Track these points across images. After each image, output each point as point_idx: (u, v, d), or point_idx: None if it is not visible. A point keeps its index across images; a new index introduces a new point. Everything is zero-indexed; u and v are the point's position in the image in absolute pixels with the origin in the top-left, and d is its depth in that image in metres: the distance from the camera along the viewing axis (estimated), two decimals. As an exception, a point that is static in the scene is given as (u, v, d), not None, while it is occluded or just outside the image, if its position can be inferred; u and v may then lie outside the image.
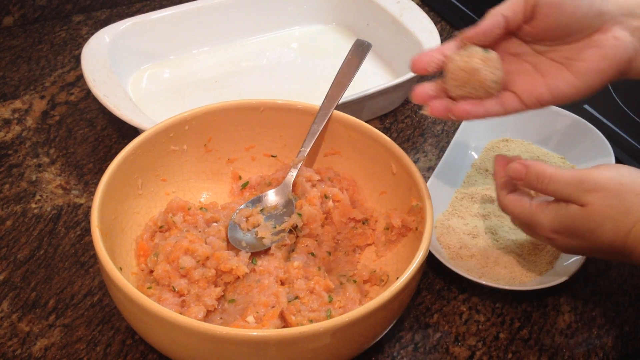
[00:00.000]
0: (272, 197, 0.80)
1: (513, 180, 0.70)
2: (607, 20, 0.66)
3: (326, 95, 0.82)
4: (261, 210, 0.79)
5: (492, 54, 0.66)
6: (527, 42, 0.68)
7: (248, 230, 0.77)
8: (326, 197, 0.79)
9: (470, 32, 0.67)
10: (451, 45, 0.68)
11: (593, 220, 0.66)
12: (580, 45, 0.66)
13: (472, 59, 0.65)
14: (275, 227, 0.77)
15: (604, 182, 0.65)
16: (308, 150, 0.80)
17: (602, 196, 0.65)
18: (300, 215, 0.77)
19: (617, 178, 0.66)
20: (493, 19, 0.66)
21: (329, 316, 0.68)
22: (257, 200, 0.79)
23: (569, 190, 0.66)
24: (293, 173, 0.80)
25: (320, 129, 0.80)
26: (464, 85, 0.66)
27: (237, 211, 0.78)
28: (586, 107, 1.00)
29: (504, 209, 0.72)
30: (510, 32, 0.67)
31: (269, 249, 0.75)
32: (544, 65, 0.68)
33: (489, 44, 0.67)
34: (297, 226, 0.77)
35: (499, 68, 0.66)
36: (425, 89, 0.69)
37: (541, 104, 0.68)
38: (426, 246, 0.68)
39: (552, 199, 0.69)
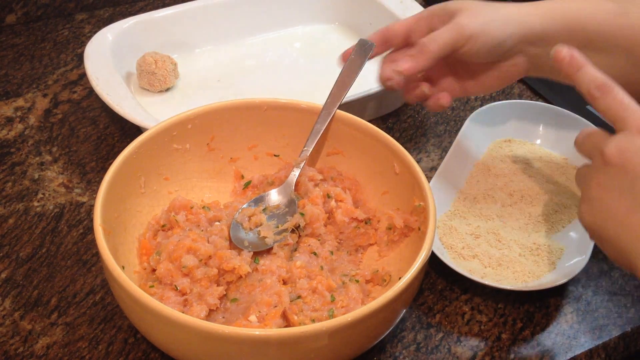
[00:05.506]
0: (274, 197, 0.79)
1: None
2: (511, 51, 0.79)
3: (329, 94, 0.82)
4: (264, 210, 0.78)
5: None
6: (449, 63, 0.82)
7: (250, 229, 0.76)
8: (329, 196, 0.79)
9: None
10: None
11: None
12: (484, 68, 0.81)
13: None
14: (277, 227, 0.76)
15: None
16: (311, 149, 0.80)
17: None
18: (302, 214, 0.77)
19: None
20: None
21: (332, 316, 0.68)
22: (260, 199, 0.79)
23: None
24: (296, 172, 0.80)
25: (323, 128, 0.80)
26: None
27: (240, 210, 0.78)
28: (589, 107, 1.00)
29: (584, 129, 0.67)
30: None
31: (272, 248, 0.74)
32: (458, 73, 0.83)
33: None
34: (299, 226, 0.76)
35: None
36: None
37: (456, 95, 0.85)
38: (429, 246, 0.68)
39: None
